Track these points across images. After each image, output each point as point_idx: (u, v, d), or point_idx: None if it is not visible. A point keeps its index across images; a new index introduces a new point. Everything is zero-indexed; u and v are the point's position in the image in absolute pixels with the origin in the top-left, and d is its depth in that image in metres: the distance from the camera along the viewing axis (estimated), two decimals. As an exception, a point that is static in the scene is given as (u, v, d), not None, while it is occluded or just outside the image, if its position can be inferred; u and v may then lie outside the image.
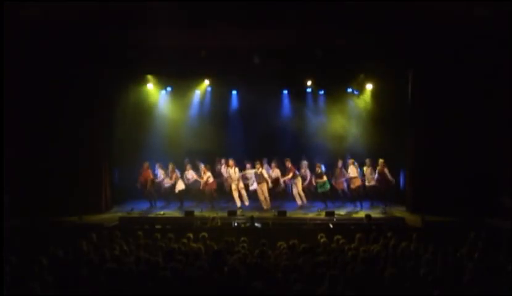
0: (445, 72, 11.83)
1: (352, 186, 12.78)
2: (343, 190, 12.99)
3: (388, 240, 7.97)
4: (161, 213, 12.16)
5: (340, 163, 12.95)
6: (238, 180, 12.85)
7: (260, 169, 12.67)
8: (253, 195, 13.07)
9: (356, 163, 12.82)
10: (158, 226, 10.50)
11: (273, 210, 12.09)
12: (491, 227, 9.80)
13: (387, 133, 13.39)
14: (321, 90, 14.81)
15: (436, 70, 11.93)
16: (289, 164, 12.87)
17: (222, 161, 13.37)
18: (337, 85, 14.36)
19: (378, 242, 8.10)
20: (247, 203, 12.86)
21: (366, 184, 12.69)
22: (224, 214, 11.49)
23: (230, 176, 12.95)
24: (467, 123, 11.83)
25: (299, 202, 12.89)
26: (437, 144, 12.04)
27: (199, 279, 5.65)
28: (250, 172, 12.83)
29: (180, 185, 12.99)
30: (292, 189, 13.25)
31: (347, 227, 10.65)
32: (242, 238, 8.17)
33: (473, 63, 11.57)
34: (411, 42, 11.64)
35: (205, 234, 8.32)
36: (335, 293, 5.14)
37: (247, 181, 12.94)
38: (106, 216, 12.02)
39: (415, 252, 7.15)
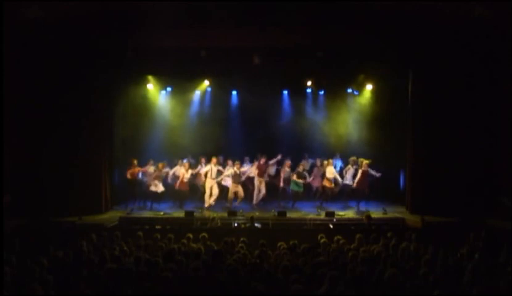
0: (445, 72, 11.83)
1: (325, 184, 12.68)
2: (317, 188, 12.93)
3: (388, 241, 7.98)
4: (161, 213, 12.15)
5: (319, 162, 12.97)
6: (214, 180, 12.58)
7: (236, 170, 12.53)
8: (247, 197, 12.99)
9: (335, 163, 12.84)
10: (158, 226, 10.51)
11: (273, 210, 12.09)
12: (491, 227, 9.80)
13: (387, 133, 13.39)
14: (321, 91, 14.82)
15: (436, 70, 11.92)
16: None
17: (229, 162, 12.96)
18: (337, 85, 14.38)
19: (378, 242, 8.11)
20: (213, 203, 12.57)
21: (346, 182, 12.67)
22: (224, 214, 11.50)
23: (209, 174, 12.61)
24: (467, 123, 11.83)
25: (254, 201, 12.71)
26: (437, 144, 12.03)
27: (199, 279, 5.65)
28: (228, 173, 12.71)
29: (158, 187, 12.63)
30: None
31: (347, 227, 10.67)
32: (242, 239, 8.19)
33: (473, 63, 11.57)
34: (411, 42, 11.65)
35: (205, 234, 8.33)
36: (335, 294, 5.14)
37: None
38: (106, 216, 12.00)
39: (415, 252, 7.16)
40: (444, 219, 11.16)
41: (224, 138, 14.22)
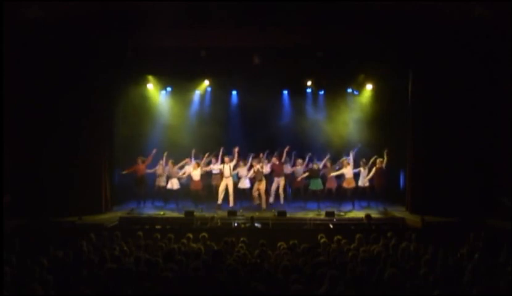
0: (445, 72, 11.82)
1: (345, 186, 12.64)
2: (332, 190, 12.84)
3: (388, 241, 7.98)
4: (161, 213, 12.16)
5: (329, 163, 12.91)
6: (229, 178, 12.57)
7: (257, 167, 12.49)
8: (244, 195, 12.95)
9: (350, 161, 12.75)
10: (158, 226, 10.51)
11: (273, 210, 12.08)
12: (491, 227, 9.80)
13: (387, 133, 13.39)
14: (321, 91, 14.81)
15: (436, 70, 11.92)
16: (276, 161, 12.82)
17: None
18: (337, 85, 14.39)
19: (378, 242, 8.11)
20: (232, 203, 12.54)
21: (360, 184, 12.65)
22: (224, 214, 11.50)
23: (223, 173, 12.65)
24: (467, 123, 11.83)
25: (271, 200, 12.72)
26: (437, 144, 12.03)
27: (199, 279, 5.65)
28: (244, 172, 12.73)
29: (173, 184, 12.74)
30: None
31: (347, 227, 10.67)
32: (242, 239, 8.19)
33: (473, 63, 11.57)
34: (411, 42, 11.65)
35: (205, 234, 8.34)
36: (335, 294, 5.14)
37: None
38: (106, 216, 12.00)
39: (415, 252, 7.16)
40: (444, 219, 11.15)
41: (224, 138, 14.19)
